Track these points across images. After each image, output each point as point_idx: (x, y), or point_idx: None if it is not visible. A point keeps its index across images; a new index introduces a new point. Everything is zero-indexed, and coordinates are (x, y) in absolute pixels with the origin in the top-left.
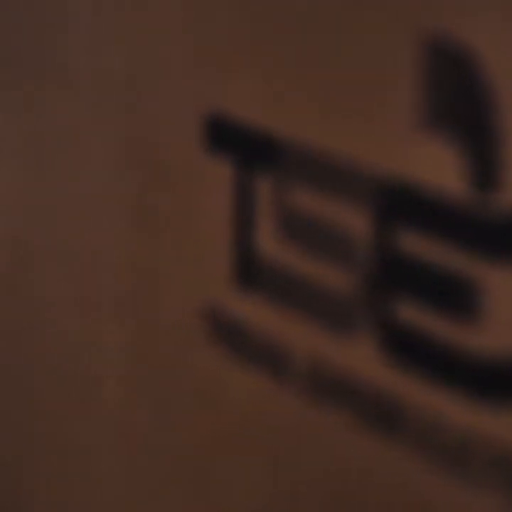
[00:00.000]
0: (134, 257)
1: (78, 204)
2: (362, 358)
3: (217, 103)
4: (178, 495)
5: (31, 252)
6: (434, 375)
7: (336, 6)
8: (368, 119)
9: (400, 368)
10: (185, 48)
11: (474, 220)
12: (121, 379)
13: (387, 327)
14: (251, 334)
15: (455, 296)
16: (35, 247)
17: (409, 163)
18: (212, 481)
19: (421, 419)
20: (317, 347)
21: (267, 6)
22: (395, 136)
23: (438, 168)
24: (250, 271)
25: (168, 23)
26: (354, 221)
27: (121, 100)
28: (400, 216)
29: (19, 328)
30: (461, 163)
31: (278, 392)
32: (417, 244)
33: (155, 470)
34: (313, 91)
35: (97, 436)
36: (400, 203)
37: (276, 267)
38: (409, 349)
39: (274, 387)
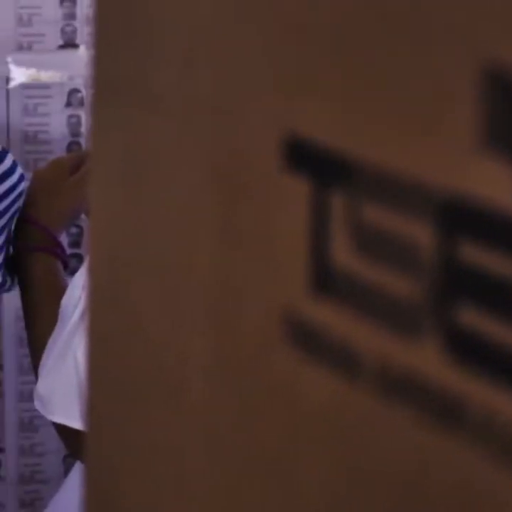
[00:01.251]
0: (219, 268)
1: (169, 221)
2: (427, 359)
3: (296, 126)
4: (259, 488)
5: (127, 268)
6: (494, 374)
7: (404, 31)
8: (434, 139)
9: (462, 368)
10: (266, 74)
11: None
12: (207, 381)
13: (450, 330)
14: (325, 337)
15: None
16: (131, 263)
17: (471, 180)
18: (290, 473)
19: (482, 416)
20: (386, 349)
21: (341, 33)
22: (458, 155)
23: (496, 184)
24: (325, 279)
25: (250, 51)
26: (420, 233)
27: (208, 122)
28: (461, 228)
29: (118, 337)
30: None
31: (350, 390)
32: (477, 255)
33: (237, 465)
34: (382, 114)
35: (184, 434)
36: (462, 217)
37: (348, 276)
38: (470, 350)
39: (346, 386)
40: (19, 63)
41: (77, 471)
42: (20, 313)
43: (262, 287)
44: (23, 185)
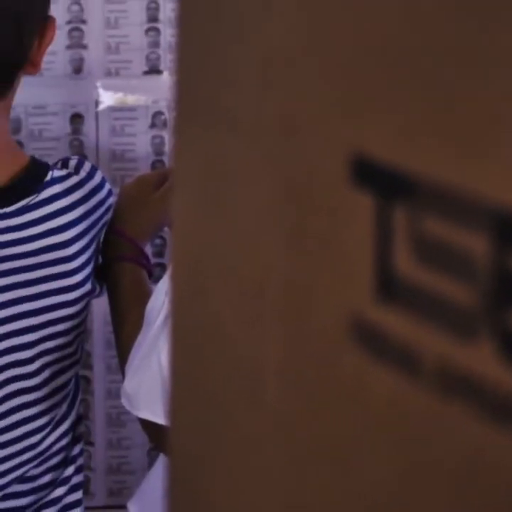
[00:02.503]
0: (290, 276)
1: (244, 232)
2: (482, 360)
3: (361, 144)
4: (328, 476)
5: (206, 275)
6: None
7: (466, 52)
8: (491, 159)
9: None
10: (333, 96)
11: None
12: (280, 378)
13: (503, 333)
14: (388, 340)
15: None
16: (209, 271)
17: None
18: (356, 463)
19: None
20: (445, 350)
21: (404, 58)
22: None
23: None
24: (388, 286)
25: (319, 75)
26: (476, 244)
27: (279, 142)
28: None
29: (198, 339)
30: None
31: (411, 388)
32: None
33: (309, 455)
34: (442, 134)
35: (260, 427)
36: None
37: (410, 283)
38: None
39: (407, 385)
40: (107, 88)
41: (160, 462)
42: (109, 318)
43: (331, 294)
44: (112, 200)
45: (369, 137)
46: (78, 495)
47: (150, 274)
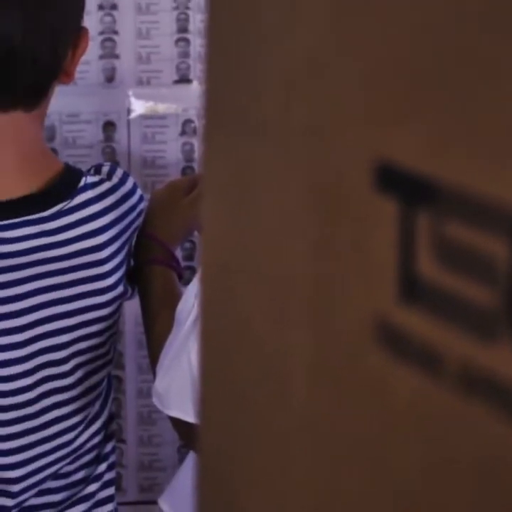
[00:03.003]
0: (317, 277)
1: (272, 236)
2: (503, 360)
3: (386, 151)
4: (356, 471)
5: (235, 277)
6: None
7: (492, 62)
8: (511, 164)
9: None
10: (360, 104)
11: None
12: (308, 377)
13: None
14: (411, 340)
15: None
16: (238, 273)
17: None
18: (381, 459)
19: None
20: (466, 351)
21: (428, 63)
22: None
23: None
24: (411, 289)
25: (346, 83)
26: (497, 247)
27: (306, 148)
28: None
29: (227, 339)
30: None
31: (433, 387)
32: None
33: (335, 451)
34: (464, 140)
35: (288, 423)
36: None
37: (432, 285)
38: None
39: (430, 384)
40: (139, 96)
41: (190, 459)
42: (140, 319)
43: (356, 295)
44: (143, 205)
45: (393, 144)
46: (110, 491)
47: (180, 277)
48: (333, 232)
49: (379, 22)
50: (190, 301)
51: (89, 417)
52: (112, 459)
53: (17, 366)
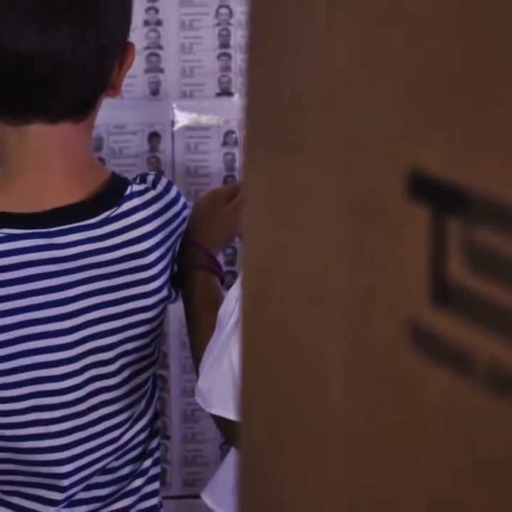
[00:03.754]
0: (352, 282)
1: (309, 243)
2: None
3: (419, 162)
4: (390, 469)
5: (274, 282)
6: None
7: None
8: None
9: None
10: (394, 117)
11: None
12: (343, 377)
13: None
14: (442, 341)
15: None
16: (277, 278)
17: None
18: (414, 455)
19: None
20: (495, 351)
21: (458, 75)
22: None
23: None
24: (443, 293)
25: (381, 98)
26: None
27: (342, 161)
28: None
29: (266, 340)
30: None
31: (463, 387)
32: None
33: (370, 448)
34: (493, 151)
35: (325, 422)
36: None
37: (462, 289)
38: None
39: (460, 383)
40: (183, 109)
41: (231, 455)
42: (184, 321)
43: (389, 299)
44: (186, 212)
45: (425, 155)
46: (155, 485)
47: (222, 281)
48: (369, 239)
49: (410, 41)
50: (231, 304)
51: (135, 414)
52: (156, 454)
53: (67, 366)
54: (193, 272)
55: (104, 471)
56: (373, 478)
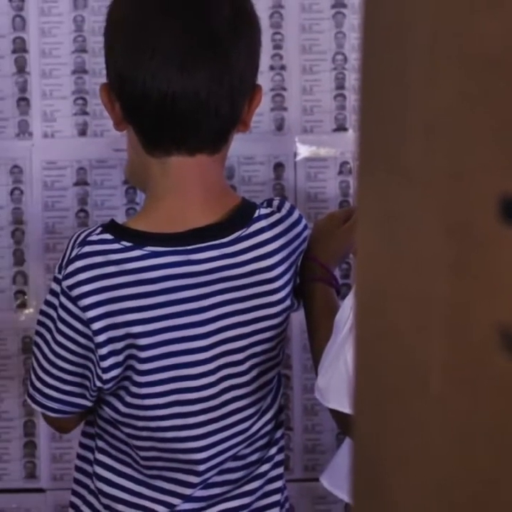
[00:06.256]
0: (453, 296)
1: (415, 259)
2: None
3: (509, 188)
4: (487, 456)
5: (382, 294)
6: None
7: None
8: None
9: None
10: (491, 148)
11: None
12: (444, 376)
13: None
14: None
15: None
16: (386, 289)
17: None
18: (507, 445)
19: None
20: None
21: None
22: None
23: None
24: None
25: (479, 129)
26: None
27: (443, 187)
28: None
29: (377, 343)
30: None
31: None
32: None
33: (467, 438)
34: None
35: (427, 415)
36: None
37: None
38: None
39: None
40: (304, 142)
41: (346, 444)
42: (305, 327)
43: (484, 308)
44: (307, 233)
45: None
46: (280, 470)
47: (338, 292)
48: (466, 256)
49: (507, 83)
50: (346, 312)
51: (263, 408)
52: (281, 443)
53: (203, 366)
54: (312, 284)
55: (235, 457)
56: (471, 463)
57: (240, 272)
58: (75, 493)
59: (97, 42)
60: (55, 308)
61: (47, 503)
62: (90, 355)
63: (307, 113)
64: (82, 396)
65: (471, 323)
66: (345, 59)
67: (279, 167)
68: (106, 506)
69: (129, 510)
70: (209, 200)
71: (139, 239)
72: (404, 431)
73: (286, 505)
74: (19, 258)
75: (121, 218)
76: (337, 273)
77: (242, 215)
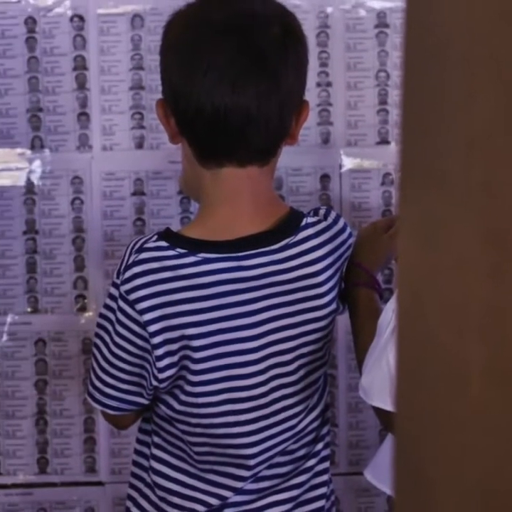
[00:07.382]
0: (490, 300)
1: (453, 266)
2: None
3: None
4: None
5: (422, 298)
6: None
7: None
8: None
9: None
10: None
11: None
12: (483, 378)
13: None
14: None
15: None
16: (426, 294)
17: None
18: None
19: None
20: None
21: None
22: None
23: None
24: None
25: (507, 145)
26: None
27: (480, 197)
28: None
29: (418, 345)
30: None
31: None
32: None
33: (503, 439)
34: None
35: (466, 414)
36: None
37: None
38: None
39: None
40: (348, 155)
41: (388, 439)
42: (349, 329)
43: None
44: (351, 240)
45: None
46: (326, 465)
47: (381, 296)
48: (503, 264)
49: None
50: (388, 314)
51: (310, 406)
52: (327, 439)
53: (253, 366)
54: (357, 289)
55: (283, 452)
56: (506, 462)
57: (288, 278)
58: (132, 486)
59: (153, 60)
60: (113, 311)
61: (106, 496)
62: (147, 356)
63: (352, 127)
64: (139, 394)
65: (508, 327)
66: (388, 76)
67: (325, 178)
68: (161, 498)
69: (183, 502)
70: (258, 209)
71: (193, 246)
72: (444, 429)
73: (332, 498)
74: (80, 264)
75: (176, 227)
76: (380, 278)
77: (290, 223)
